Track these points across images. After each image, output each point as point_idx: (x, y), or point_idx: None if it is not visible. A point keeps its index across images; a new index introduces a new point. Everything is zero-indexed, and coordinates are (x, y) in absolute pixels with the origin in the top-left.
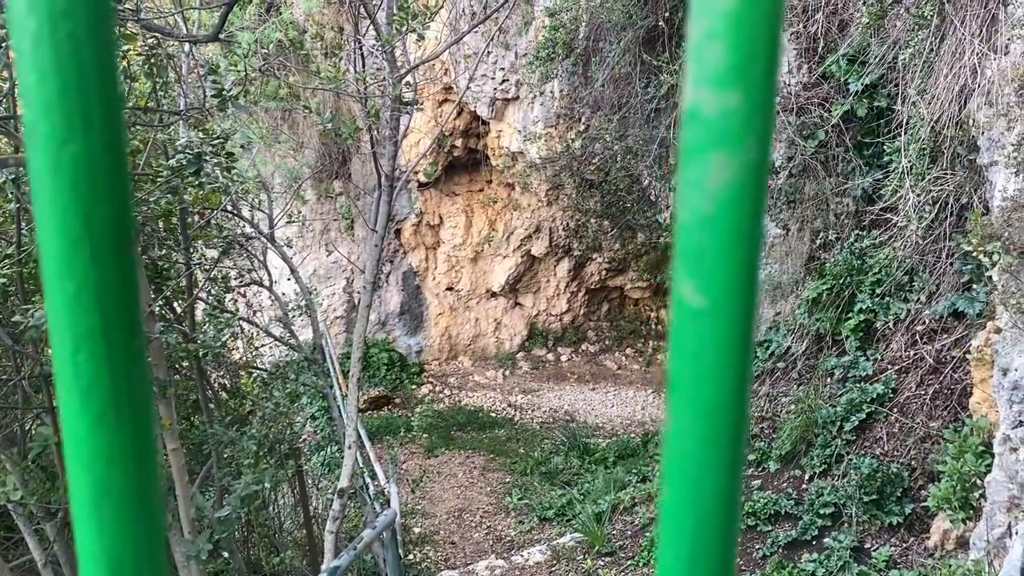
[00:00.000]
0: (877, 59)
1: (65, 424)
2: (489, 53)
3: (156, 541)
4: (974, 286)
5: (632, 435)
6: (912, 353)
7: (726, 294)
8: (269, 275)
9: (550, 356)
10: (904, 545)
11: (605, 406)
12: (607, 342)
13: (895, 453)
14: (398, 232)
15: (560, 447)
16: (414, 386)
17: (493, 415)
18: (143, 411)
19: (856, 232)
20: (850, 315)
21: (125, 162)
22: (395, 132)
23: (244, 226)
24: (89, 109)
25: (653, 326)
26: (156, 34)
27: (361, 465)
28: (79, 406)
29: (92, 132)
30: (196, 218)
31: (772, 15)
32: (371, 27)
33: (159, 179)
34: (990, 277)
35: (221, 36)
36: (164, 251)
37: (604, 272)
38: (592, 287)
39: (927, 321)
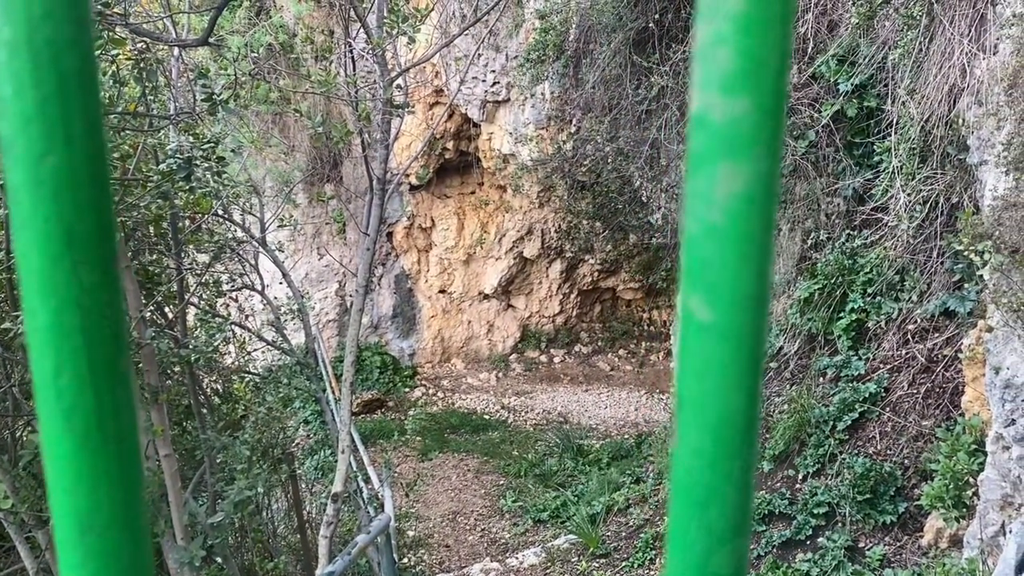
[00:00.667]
0: (867, 59)
1: (46, 447)
2: (480, 56)
3: (144, 568)
4: (965, 285)
5: (626, 436)
6: (904, 352)
7: (735, 308)
8: (261, 279)
9: (543, 358)
10: (898, 544)
11: (598, 407)
12: (600, 343)
13: (888, 452)
14: (390, 235)
15: (554, 449)
16: (407, 389)
17: (486, 417)
18: (128, 434)
19: (847, 232)
20: (842, 315)
21: (107, 174)
22: (386, 135)
23: (235, 230)
24: (70, 120)
25: (645, 327)
26: (145, 38)
27: (355, 469)
28: (61, 429)
29: (73, 144)
30: (187, 223)
31: (782, 18)
32: (361, 30)
33: (149, 184)
34: (981, 276)
35: (211, 40)
36: (155, 256)
37: (596, 273)
38: (584, 288)
39: (919, 320)
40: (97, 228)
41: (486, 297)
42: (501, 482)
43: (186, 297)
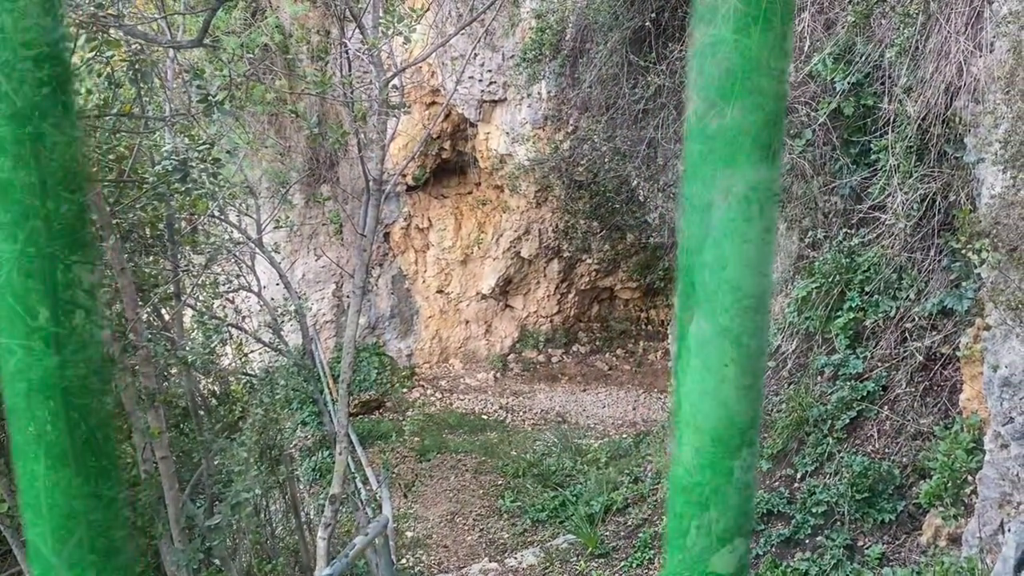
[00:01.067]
0: (863, 57)
1: (20, 470)
2: (476, 55)
3: None
4: (963, 283)
5: (624, 435)
6: (902, 351)
7: (734, 311)
8: (258, 280)
9: (541, 358)
10: (897, 542)
11: (596, 407)
12: (597, 343)
13: (886, 451)
14: (387, 235)
15: (552, 448)
16: (405, 389)
17: (485, 418)
18: (105, 452)
19: (844, 231)
20: (840, 313)
21: (83, 188)
22: (382, 136)
23: (232, 231)
24: (43, 131)
25: (643, 326)
26: (140, 40)
27: (353, 470)
28: (35, 451)
29: (46, 154)
30: (184, 224)
31: (782, 18)
32: (357, 30)
33: (145, 185)
34: (978, 274)
35: (205, 41)
36: (151, 258)
37: (594, 273)
38: (582, 288)
39: (916, 319)
40: (73, 242)
41: (484, 297)
42: (499, 482)
43: (183, 299)
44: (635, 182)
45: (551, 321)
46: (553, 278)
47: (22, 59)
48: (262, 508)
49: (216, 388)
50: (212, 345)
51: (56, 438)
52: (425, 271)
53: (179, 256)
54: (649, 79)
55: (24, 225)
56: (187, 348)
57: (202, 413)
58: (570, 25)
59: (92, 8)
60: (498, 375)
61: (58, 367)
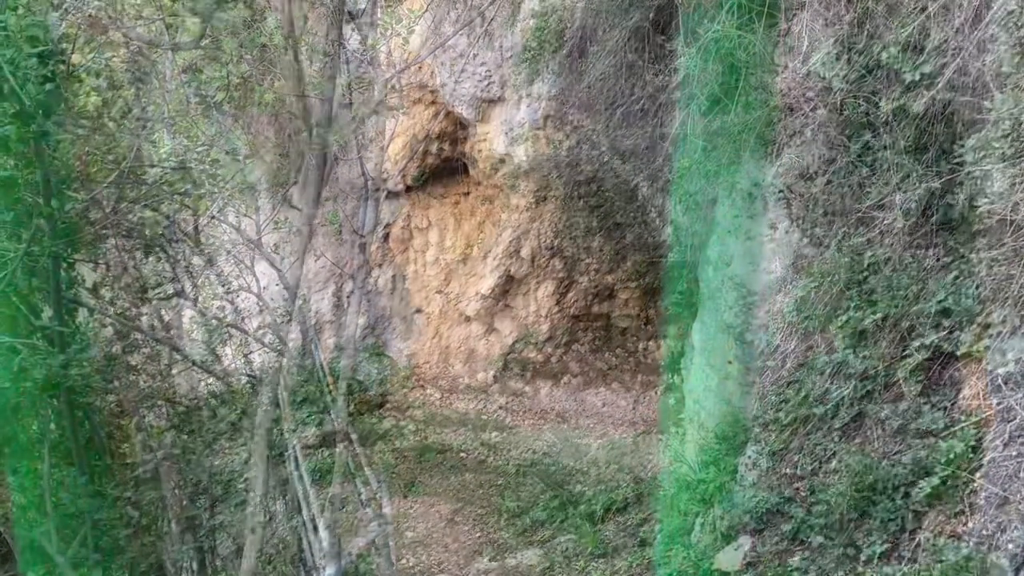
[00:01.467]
0: (862, 55)
1: (24, 469)
2: (475, 55)
3: None
4: (963, 281)
5: (624, 435)
6: (903, 349)
7: (737, 316)
8: (257, 281)
9: (541, 357)
10: (897, 541)
11: (596, 406)
12: (598, 342)
13: (887, 449)
14: (387, 235)
15: (552, 448)
16: (405, 389)
17: (484, 418)
18: (109, 451)
19: (845, 229)
20: (840, 312)
21: (86, 186)
22: (381, 136)
23: (232, 233)
24: (47, 130)
25: (644, 325)
26: (140, 43)
27: (353, 471)
28: (39, 450)
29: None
30: (182, 225)
31: (784, 15)
32: (355, 31)
33: (144, 187)
34: (979, 272)
35: (205, 42)
36: (151, 258)
37: (594, 272)
38: (582, 287)
39: (917, 317)
40: (75, 244)
41: (484, 297)
42: (500, 482)
43: (182, 299)
44: (635, 181)
45: (551, 320)
46: (553, 277)
47: (27, 56)
48: (263, 508)
49: (217, 388)
50: (212, 345)
51: (60, 437)
52: (425, 271)
53: (179, 256)
54: (649, 78)
55: (28, 224)
56: (186, 349)
57: (204, 413)
58: (570, 24)
59: (91, 10)
60: (498, 375)
61: (62, 366)
